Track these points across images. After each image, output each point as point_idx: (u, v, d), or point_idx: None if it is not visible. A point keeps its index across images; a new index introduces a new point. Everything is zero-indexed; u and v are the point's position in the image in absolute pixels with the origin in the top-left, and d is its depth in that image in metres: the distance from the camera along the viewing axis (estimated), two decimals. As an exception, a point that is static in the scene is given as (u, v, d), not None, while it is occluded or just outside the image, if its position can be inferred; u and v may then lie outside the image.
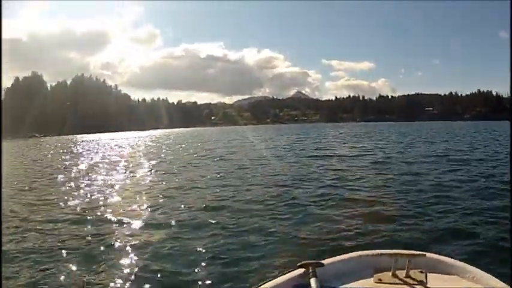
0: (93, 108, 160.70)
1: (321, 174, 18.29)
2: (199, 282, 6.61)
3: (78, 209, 12.76)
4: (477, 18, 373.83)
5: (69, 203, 13.70)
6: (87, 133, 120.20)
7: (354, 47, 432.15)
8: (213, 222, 10.39)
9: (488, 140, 42.28)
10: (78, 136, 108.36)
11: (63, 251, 8.22)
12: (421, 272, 3.19)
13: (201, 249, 8.19)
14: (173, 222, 10.43)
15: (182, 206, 12.53)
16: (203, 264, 7.37)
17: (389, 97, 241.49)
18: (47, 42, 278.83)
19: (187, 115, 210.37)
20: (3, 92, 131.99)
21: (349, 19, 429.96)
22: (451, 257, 3.53)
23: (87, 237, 9.26)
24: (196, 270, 7.09)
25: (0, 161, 13.96)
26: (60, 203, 13.65)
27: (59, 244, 8.76)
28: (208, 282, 6.62)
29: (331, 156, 27.21)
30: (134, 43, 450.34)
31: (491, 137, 47.73)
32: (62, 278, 6.86)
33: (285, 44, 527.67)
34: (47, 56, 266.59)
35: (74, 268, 7.26)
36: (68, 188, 17.45)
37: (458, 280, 3.20)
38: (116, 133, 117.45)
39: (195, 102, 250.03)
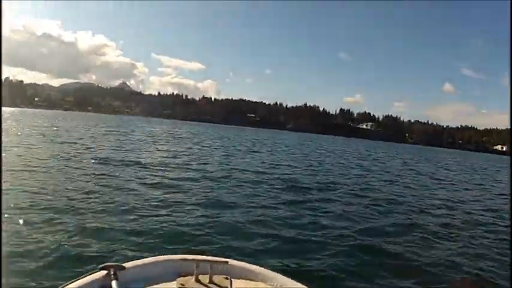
0: None
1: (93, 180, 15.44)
2: None
3: None
4: (317, 33, 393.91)
5: None
6: None
7: (186, 46, 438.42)
8: None
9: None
10: None
11: None
12: (226, 278, 3.30)
13: None
14: None
15: None
16: None
17: (213, 99, 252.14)
18: None
19: (12, 94, 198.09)
20: None
21: (185, 18, 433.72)
22: (254, 264, 3.64)
23: None
24: None
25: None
26: None
27: None
28: None
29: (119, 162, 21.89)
30: None
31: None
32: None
33: (120, 32, 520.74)
34: None
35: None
36: None
37: (263, 286, 3.33)
38: None
39: (21, 81, 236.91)
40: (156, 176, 17.41)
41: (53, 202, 11.47)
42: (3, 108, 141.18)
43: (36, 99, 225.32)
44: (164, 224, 9.82)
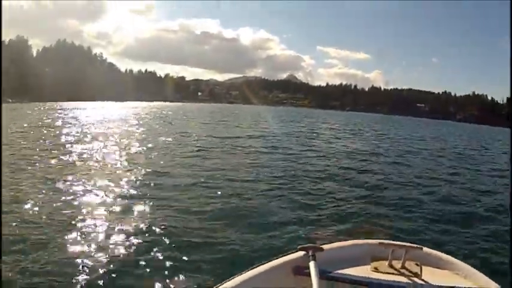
0: (74, 75, 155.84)
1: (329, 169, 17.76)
2: (196, 263, 6.77)
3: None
4: (480, 24, 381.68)
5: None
6: (63, 101, 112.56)
7: (352, 36, 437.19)
8: (207, 202, 10.74)
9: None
10: (49, 104, 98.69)
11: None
12: (417, 264, 3.57)
13: (197, 229, 8.51)
14: (163, 202, 10.54)
15: (166, 185, 12.62)
16: (200, 243, 7.65)
17: (382, 89, 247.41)
18: (45, 8, 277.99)
19: (173, 89, 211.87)
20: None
21: (350, 8, 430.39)
22: (447, 253, 3.85)
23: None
24: (193, 250, 7.28)
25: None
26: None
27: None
28: (207, 261, 6.82)
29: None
30: (131, 14, 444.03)
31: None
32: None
33: (282, 27, 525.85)
34: (46, 22, 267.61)
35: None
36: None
37: (451, 276, 3.50)
38: (91, 102, 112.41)
39: (182, 77, 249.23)
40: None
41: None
42: (169, 103, 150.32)
43: (199, 94, 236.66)
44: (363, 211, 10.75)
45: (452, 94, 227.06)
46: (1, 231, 7.09)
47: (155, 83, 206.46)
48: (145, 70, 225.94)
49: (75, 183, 12.07)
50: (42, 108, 71.15)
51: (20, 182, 12.11)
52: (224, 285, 3.15)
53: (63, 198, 10.44)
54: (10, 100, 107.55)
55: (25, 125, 33.35)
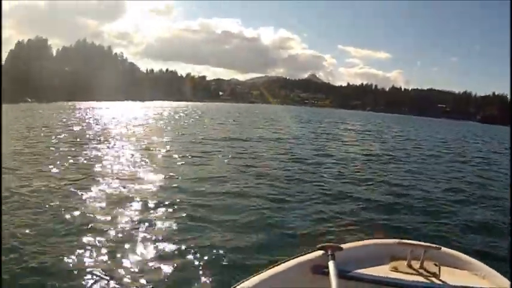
0: (94, 75, 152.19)
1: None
2: (219, 260, 6.93)
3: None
4: (500, 23, 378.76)
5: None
6: (83, 100, 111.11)
7: (373, 35, 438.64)
8: (230, 200, 10.93)
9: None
10: (70, 103, 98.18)
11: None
12: (435, 264, 3.55)
13: (217, 227, 8.64)
14: (187, 200, 10.72)
15: (190, 184, 12.83)
16: (221, 241, 7.76)
17: (402, 89, 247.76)
18: (65, 8, 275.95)
19: (194, 89, 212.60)
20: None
21: (370, 7, 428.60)
22: (465, 253, 3.82)
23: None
24: (216, 248, 7.34)
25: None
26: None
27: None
28: (226, 260, 6.93)
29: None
30: (151, 14, 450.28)
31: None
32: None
33: (302, 25, 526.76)
34: (64, 21, 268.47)
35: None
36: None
37: (469, 276, 3.48)
38: (110, 102, 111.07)
39: (203, 77, 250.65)
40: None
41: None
42: (190, 103, 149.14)
43: (220, 93, 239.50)
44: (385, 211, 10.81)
45: (473, 94, 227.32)
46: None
47: (176, 83, 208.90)
48: (166, 70, 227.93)
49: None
50: (58, 108, 71.61)
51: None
52: (242, 284, 3.16)
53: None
54: (29, 100, 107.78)
55: (32, 125, 34.21)
